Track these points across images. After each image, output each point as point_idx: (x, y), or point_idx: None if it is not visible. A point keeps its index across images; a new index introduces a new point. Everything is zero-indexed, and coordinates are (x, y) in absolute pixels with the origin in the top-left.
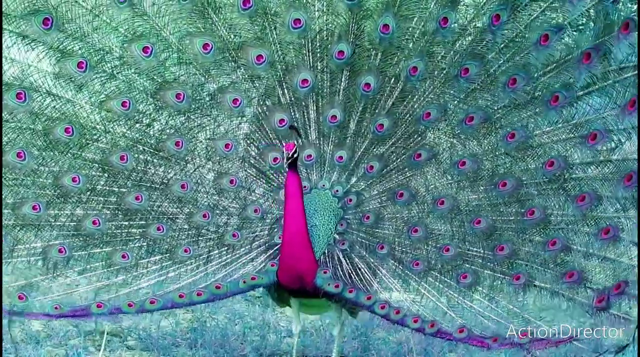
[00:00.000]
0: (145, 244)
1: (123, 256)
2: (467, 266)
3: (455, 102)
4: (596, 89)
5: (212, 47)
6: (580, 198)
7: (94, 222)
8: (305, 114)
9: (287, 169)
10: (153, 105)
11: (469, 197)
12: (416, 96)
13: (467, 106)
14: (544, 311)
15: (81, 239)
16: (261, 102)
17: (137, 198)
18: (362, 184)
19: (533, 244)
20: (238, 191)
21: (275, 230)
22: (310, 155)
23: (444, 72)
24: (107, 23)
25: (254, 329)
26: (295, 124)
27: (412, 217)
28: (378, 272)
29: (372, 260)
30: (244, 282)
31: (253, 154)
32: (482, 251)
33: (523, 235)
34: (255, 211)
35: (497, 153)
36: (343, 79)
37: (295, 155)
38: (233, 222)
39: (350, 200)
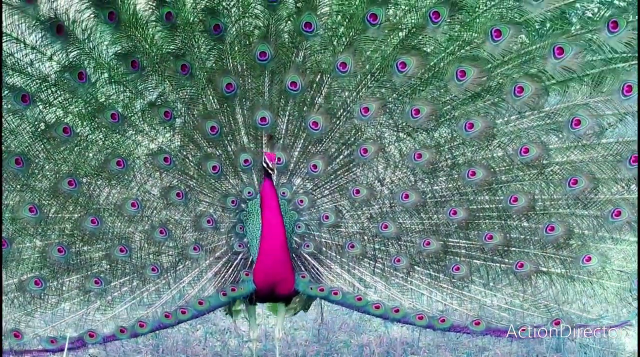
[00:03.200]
0: (110, 266)
1: (96, 282)
2: (454, 258)
3: (395, 95)
4: (576, 78)
5: (138, 64)
6: (572, 181)
7: (59, 250)
8: (232, 118)
9: (261, 179)
10: (89, 127)
11: (433, 189)
12: (347, 92)
13: (410, 99)
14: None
15: (50, 269)
16: (189, 112)
17: (92, 222)
18: (308, 184)
19: (524, 230)
20: (186, 203)
21: (232, 238)
22: (247, 160)
23: (377, 66)
24: (43, 54)
25: (215, 334)
26: (274, 134)
27: (375, 213)
28: (354, 271)
29: (344, 260)
30: (224, 294)
31: (192, 164)
32: (466, 242)
33: (509, 222)
34: (208, 221)
35: (453, 143)
36: (267, 80)
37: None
38: (189, 235)
39: (302, 201)
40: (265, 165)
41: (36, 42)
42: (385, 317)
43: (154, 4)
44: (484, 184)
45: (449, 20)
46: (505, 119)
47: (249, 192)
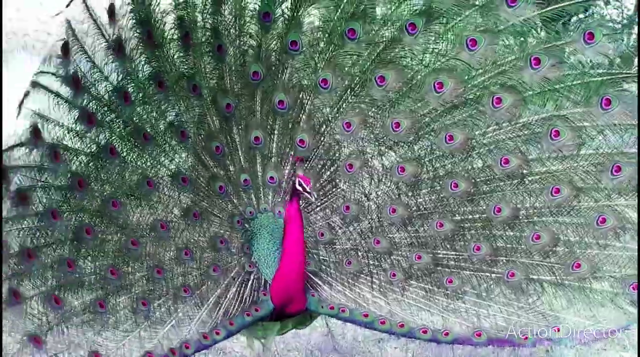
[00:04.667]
0: (150, 288)
1: (143, 303)
2: (444, 270)
3: (374, 109)
4: (548, 91)
5: (164, 84)
6: (554, 190)
7: (111, 272)
8: (230, 138)
9: (288, 199)
10: (127, 148)
11: (417, 202)
12: (328, 108)
13: (390, 113)
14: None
15: (104, 291)
16: (197, 133)
17: (133, 243)
18: (301, 202)
19: (510, 239)
20: (201, 224)
21: (242, 258)
22: (246, 180)
23: (356, 81)
24: (101, 74)
25: (209, 355)
26: (305, 156)
27: (366, 228)
28: (355, 288)
29: (344, 277)
30: (249, 314)
31: (202, 185)
32: (454, 253)
33: (494, 231)
34: (221, 242)
35: (433, 156)
36: (259, 100)
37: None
38: (208, 256)
39: None
40: (300, 188)
41: (100, 62)
42: (391, 332)
43: (176, 24)
44: (466, 195)
45: (424, 31)
46: (483, 130)
47: (250, 212)
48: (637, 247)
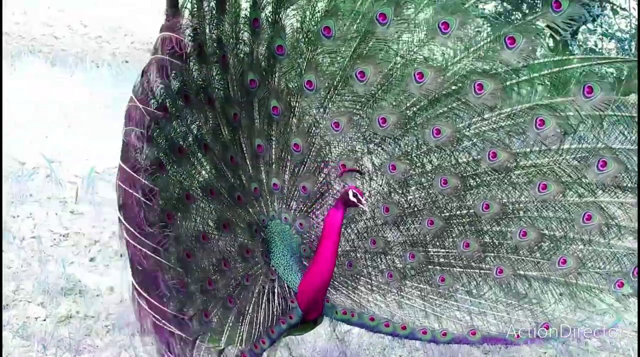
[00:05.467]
0: (203, 299)
1: (205, 314)
2: (435, 268)
3: (359, 106)
4: (531, 78)
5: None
6: (542, 186)
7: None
8: (239, 148)
9: (334, 206)
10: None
11: (407, 199)
12: (315, 109)
13: (374, 109)
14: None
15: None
16: (214, 144)
17: (187, 255)
18: (302, 206)
19: (496, 235)
20: (229, 234)
21: (264, 267)
22: (256, 189)
23: (338, 79)
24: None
25: None
26: (359, 168)
27: (362, 229)
28: (357, 291)
29: (347, 280)
30: (283, 322)
31: (224, 195)
32: (444, 250)
33: (481, 227)
34: (247, 251)
35: (420, 151)
36: (257, 107)
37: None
38: (239, 266)
39: (301, 224)
40: (354, 199)
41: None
42: (395, 334)
43: (192, 36)
44: (454, 191)
45: (395, 19)
46: (467, 122)
47: (262, 220)
48: (636, 246)
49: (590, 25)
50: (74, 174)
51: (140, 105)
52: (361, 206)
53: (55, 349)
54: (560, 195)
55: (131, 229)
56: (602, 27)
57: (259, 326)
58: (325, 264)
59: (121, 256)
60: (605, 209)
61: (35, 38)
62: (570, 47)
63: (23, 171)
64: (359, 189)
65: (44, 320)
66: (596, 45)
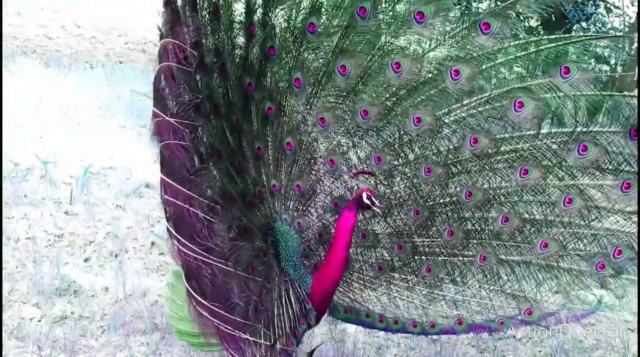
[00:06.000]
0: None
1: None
2: (421, 258)
3: (341, 100)
4: (509, 60)
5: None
6: (523, 171)
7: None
8: (243, 153)
9: (347, 208)
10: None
11: (393, 190)
12: (302, 106)
13: (355, 102)
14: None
15: None
16: (224, 149)
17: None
18: (300, 206)
19: (478, 221)
20: (249, 239)
21: (277, 269)
22: (260, 191)
23: (321, 74)
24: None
25: None
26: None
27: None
28: (351, 287)
29: (344, 277)
30: (303, 323)
31: (239, 201)
32: (429, 240)
33: (463, 214)
34: (263, 255)
35: (402, 141)
36: (254, 110)
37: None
38: (262, 269)
39: (300, 223)
40: (368, 202)
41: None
42: (388, 329)
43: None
44: (437, 180)
45: (374, 12)
46: (447, 109)
47: (268, 222)
48: (616, 227)
49: (583, 24)
50: (69, 175)
51: (172, 39)
52: (375, 208)
53: (50, 350)
54: (542, 179)
55: (185, 241)
56: (595, 25)
57: (285, 328)
58: (337, 266)
59: (116, 256)
60: (584, 191)
61: (29, 39)
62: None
63: (17, 172)
64: (372, 191)
65: (39, 321)
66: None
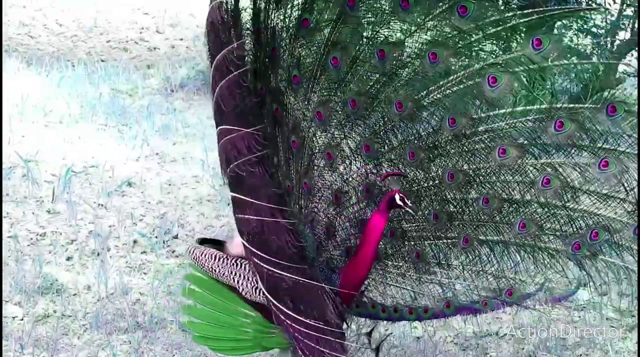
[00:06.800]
0: None
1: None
2: (409, 243)
3: (332, 93)
4: (488, 35)
5: None
6: (501, 151)
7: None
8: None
9: (378, 209)
10: None
11: (380, 171)
12: (300, 102)
13: (344, 93)
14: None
15: None
16: None
17: None
18: (308, 203)
19: (459, 202)
20: None
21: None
22: (289, 187)
23: (315, 68)
24: None
25: None
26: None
27: (351, 214)
28: None
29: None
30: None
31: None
32: (415, 225)
33: (445, 196)
34: None
35: (386, 128)
36: (267, 113)
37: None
38: None
39: (311, 221)
40: (401, 203)
41: None
42: (390, 319)
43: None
44: (419, 163)
45: (361, 3)
46: (425, 91)
47: (293, 223)
48: (592, 209)
49: (565, 21)
50: (51, 173)
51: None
52: (407, 209)
53: (32, 349)
54: (519, 158)
55: (264, 255)
56: (577, 22)
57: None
58: (366, 266)
59: (98, 254)
60: (560, 170)
61: (10, 37)
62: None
63: None
64: (404, 192)
65: (21, 319)
66: (572, 41)
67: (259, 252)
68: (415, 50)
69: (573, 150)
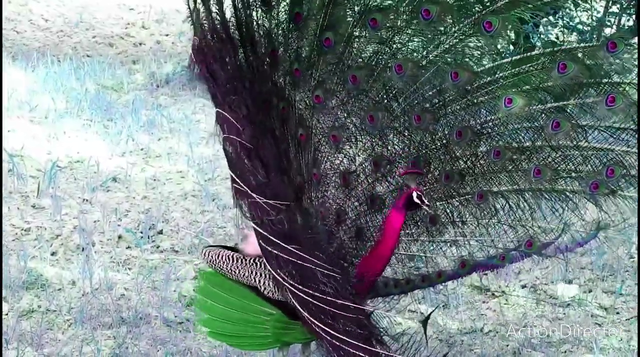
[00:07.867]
0: None
1: None
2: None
3: (331, 75)
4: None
5: None
6: (507, 101)
7: None
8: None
9: (395, 207)
10: None
11: (388, 149)
12: (303, 92)
13: (343, 72)
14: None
15: None
16: None
17: None
18: (318, 194)
19: (470, 158)
20: None
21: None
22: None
23: (312, 55)
24: None
25: (176, 355)
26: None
27: (360, 194)
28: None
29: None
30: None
31: None
32: (427, 188)
33: (453, 154)
34: None
35: (389, 95)
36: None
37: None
38: None
39: (322, 212)
40: (419, 201)
41: None
42: (403, 291)
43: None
44: (426, 126)
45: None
46: (423, 51)
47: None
48: (605, 146)
49: (551, 18)
50: (36, 168)
51: None
52: (424, 207)
53: (17, 343)
54: (526, 106)
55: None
56: (563, 19)
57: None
58: (383, 263)
59: (83, 250)
60: (567, 111)
61: None
62: (532, 40)
63: None
64: (422, 190)
65: (6, 314)
66: (557, 38)
67: (294, 283)
68: (408, 13)
69: (580, 91)
